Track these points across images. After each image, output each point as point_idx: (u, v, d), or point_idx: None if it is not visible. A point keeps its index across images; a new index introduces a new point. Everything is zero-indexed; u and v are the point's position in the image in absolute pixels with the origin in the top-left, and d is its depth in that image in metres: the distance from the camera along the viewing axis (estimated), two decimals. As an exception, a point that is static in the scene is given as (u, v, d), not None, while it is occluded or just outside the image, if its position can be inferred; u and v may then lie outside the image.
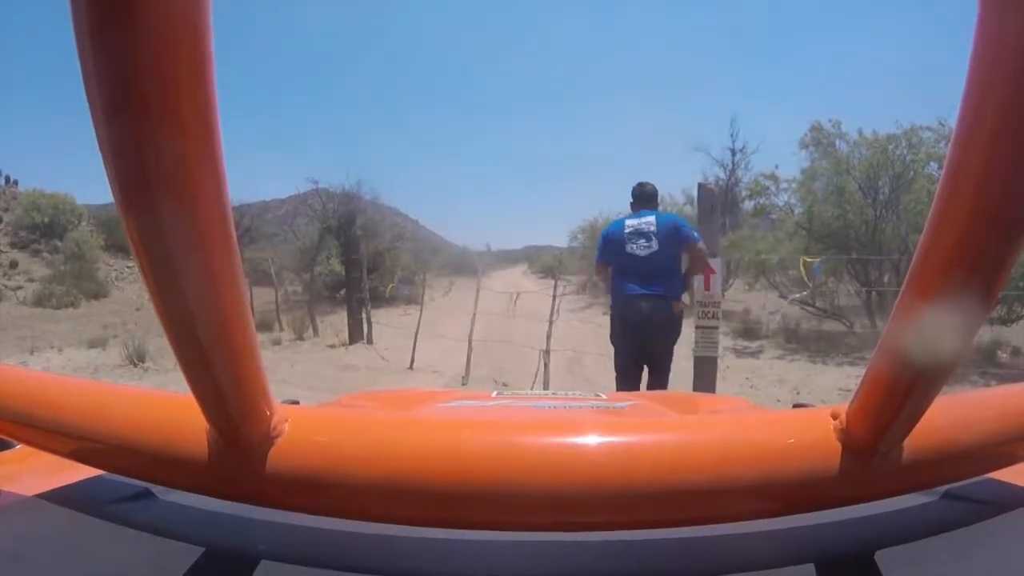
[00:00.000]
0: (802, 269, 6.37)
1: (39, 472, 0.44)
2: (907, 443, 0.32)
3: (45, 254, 12.78)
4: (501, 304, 10.56)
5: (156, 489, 0.41)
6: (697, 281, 3.21)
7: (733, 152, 12.09)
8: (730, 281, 9.99)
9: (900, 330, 0.27)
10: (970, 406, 0.39)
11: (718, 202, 3.46)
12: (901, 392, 0.29)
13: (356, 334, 7.59)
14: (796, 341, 6.65)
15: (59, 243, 12.85)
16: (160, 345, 5.89)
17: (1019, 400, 0.38)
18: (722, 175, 12.11)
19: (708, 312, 3.32)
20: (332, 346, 7.34)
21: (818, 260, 6.45)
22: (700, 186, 3.59)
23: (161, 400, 0.38)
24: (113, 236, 13.48)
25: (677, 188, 12.30)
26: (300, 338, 7.93)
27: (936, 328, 0.25)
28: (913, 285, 0.26)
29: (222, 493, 0.34)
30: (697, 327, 3.35)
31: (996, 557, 0.36)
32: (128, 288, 12.56)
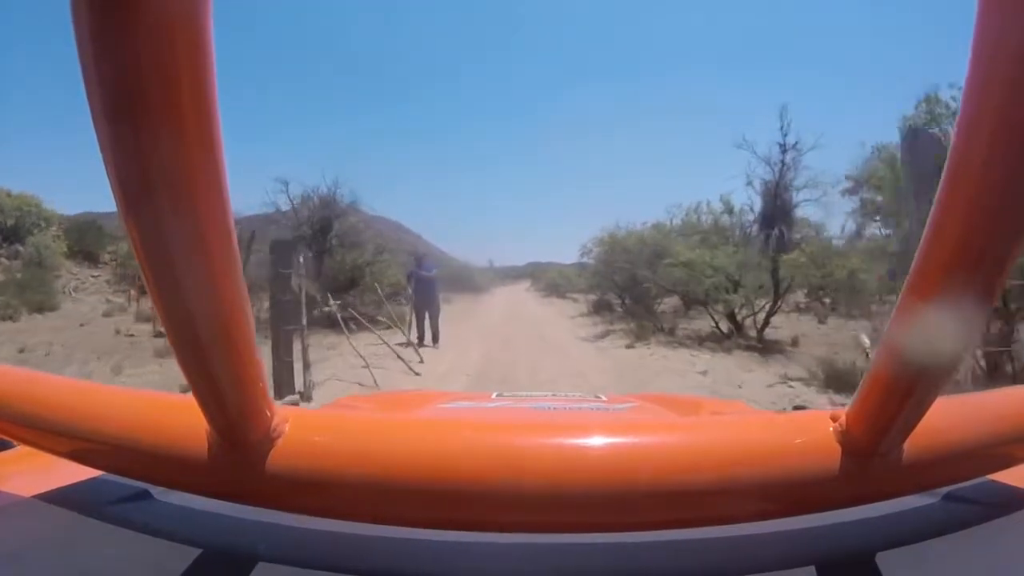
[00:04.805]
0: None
1: (38, 472, 0.44)
2: (907, 445, 0.32)
3: (3, 259, 11.59)
4: (497, 323, 8.81)
5: (155, 490, 0.40)
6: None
7: (784, 148, 9.81)
8: (778, 304, 8.06)
9: (900, 331, 0.27)
10: (969, 408, 0.38)
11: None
12: (901, 394, 0.28)
13: (286, 384, 4.69)
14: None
15: (21, 248, 11.67)
16: (81, 372, 5.24)
17: (1018, 402, 0.39)
18: (765, 175, 9.76)
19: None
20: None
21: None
22: (912, 131, 1.86)
23: (161, 401, 0.37)
24: (81, 242, 12.30)
25: (714, 195, 10.07)
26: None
27: (936, 329, 0.25)
28: (913, 286, 0.26)
29: (222, 494, 0.34)
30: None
31: (997, 558, 0.36)
32: (87, 299, 11.25)
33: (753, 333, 7.89)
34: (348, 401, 1.10)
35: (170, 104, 0.19)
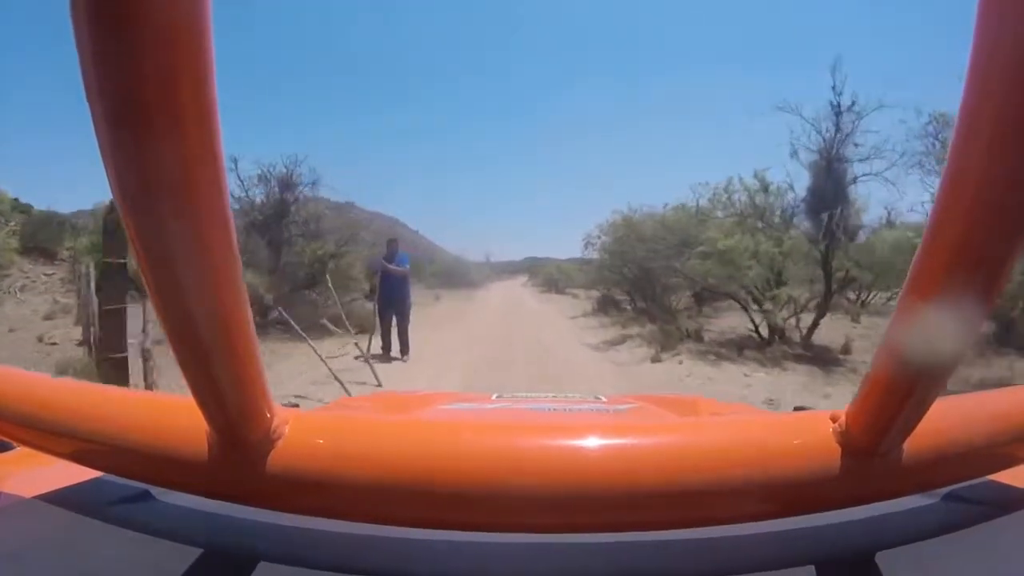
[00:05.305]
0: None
1: (39, 473, 0.44)
2: (907, 445, 0.32)
3: (-50, 257, 10.47)
4: (490, 323, 7.39)
5: (155, 490, 0.40)
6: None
7: (838, 110, 7.85)
8: (830, 302, 6.46)
9: (900, 331, 0.27)
10: (970, 408, 0.38)
11: None
12: (901, 393, 0.29)
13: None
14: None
15: (-28, 245, 10.53)
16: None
17: (1018, 402, 0.38)
18: (811, 146, 7.59)
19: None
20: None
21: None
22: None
23: (161, 402, 0.38)
24: (36, 237, 11.14)
25: (747, 171, 8.13)
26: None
27: (936, 329, 0.25)
28: (913, 286, 0.26)
29: (222, 494, 0.34)
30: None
31: (996, 558, 0.36)
32: (33, 300, 10.05)
33: (796, 337, 6.32)
34: (348, 402, 1.19)
35: (171, 108, 0.20)
